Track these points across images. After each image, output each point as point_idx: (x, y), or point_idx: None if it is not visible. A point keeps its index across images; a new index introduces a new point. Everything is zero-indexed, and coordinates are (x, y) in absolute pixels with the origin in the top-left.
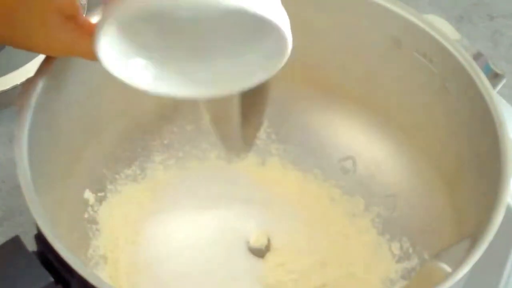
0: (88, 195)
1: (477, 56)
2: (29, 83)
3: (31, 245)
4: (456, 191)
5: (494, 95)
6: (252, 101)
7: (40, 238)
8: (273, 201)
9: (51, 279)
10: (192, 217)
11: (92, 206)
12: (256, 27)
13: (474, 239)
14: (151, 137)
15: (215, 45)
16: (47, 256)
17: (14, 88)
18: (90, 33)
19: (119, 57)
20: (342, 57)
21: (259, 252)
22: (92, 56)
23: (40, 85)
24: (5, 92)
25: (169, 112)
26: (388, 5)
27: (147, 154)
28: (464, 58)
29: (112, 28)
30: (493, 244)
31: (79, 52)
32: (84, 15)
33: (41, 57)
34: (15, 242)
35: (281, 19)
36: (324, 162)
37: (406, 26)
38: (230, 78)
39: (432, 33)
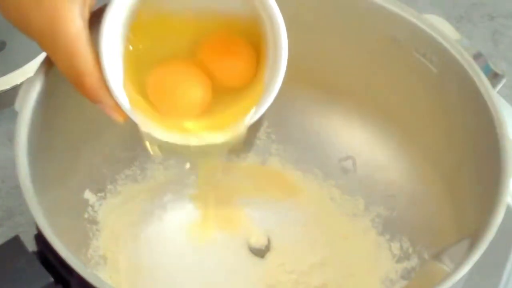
0: (88, 195)
1: (477, 56)
2: (29, 83)
3: (31, 245)
4: (456, 191)
5: (494, 95)
6: None
7: (40, 238)
8: (273, 201)
9: (51, 279)
10: (192, 217)
11: (92, 206)
12: None
13: (474, 239)
14: None
15: None
16: (47, 256)
17: (14, 88)
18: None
19: None
20: (342, 57)
21: (259, 252)
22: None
23: (40, 85)
24: (5, 92)
25: None
26: (388, 5)
27: (147, 154)
28: (464, 58)
29: None
30: (493, 244)
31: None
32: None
33: (41, 57)
34: (15, 242)
35: None
36: (324, 162)
37: (406, 26)
38: None
39: (432, 33)
